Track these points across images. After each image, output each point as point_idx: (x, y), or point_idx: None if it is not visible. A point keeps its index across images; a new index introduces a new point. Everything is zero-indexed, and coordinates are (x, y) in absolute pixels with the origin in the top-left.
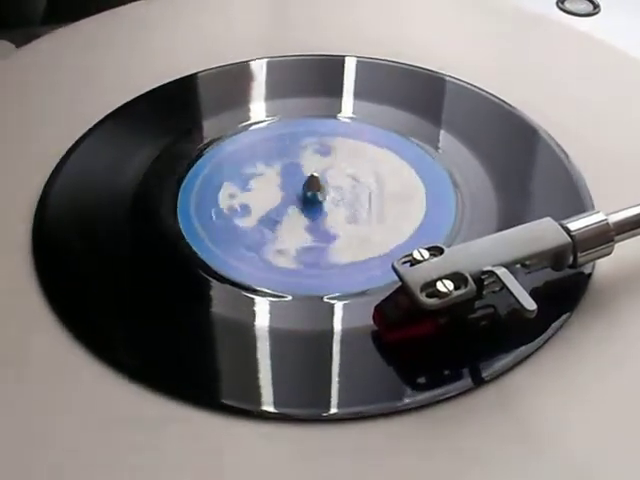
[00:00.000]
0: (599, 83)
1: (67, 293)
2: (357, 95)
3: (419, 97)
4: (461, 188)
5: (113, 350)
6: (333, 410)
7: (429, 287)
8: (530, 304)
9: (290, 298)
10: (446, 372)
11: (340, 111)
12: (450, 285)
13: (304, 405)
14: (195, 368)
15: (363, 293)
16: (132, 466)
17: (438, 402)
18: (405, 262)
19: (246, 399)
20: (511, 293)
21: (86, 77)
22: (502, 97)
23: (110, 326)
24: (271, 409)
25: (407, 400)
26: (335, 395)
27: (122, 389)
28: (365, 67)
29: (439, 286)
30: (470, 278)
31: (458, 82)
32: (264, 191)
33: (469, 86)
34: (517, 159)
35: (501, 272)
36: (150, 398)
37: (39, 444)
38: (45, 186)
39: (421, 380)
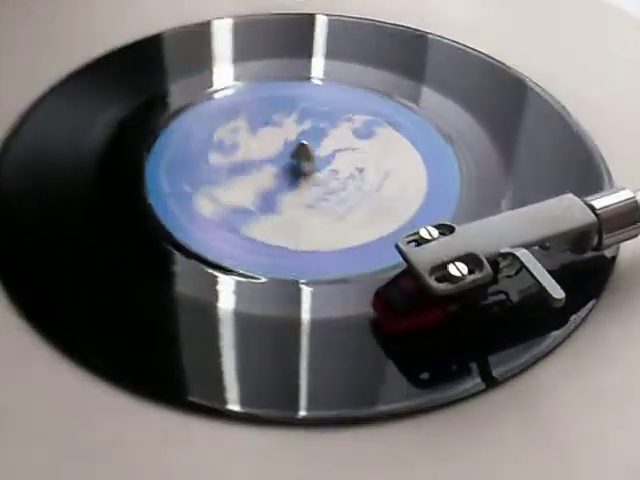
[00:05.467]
0: (613, 52)
1: (20, 272)
2: (330, 55)
3: (399, 56)
4: (464, 157)
5: (68, 337)
6: (316, 412)
7: (439, 270)
8: (557, 292)
9: (264, 280)
10: (456, 370)
11: (311, 73)
12: (464, 268)
13: (279, 405)
14: (158, 360)
15: (353, 277)
16: (89, 461)
17: (444, 405)
18: (411, 241)
19: (211, 396)
20: (536, 279)
21: (42, 34)
22: (499, 58)
23: (65, 308)
24: (238, 409)
25: (408, 403)
26: (321, 394)
27: (80, 380)
28: (337, 25)
29: (451, 269)
30: (485, 261)
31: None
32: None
33: (466, 49)
34: (514, 116)
35: (522, 254)
36: (107, 390)
37: None
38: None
39: (426, 377)
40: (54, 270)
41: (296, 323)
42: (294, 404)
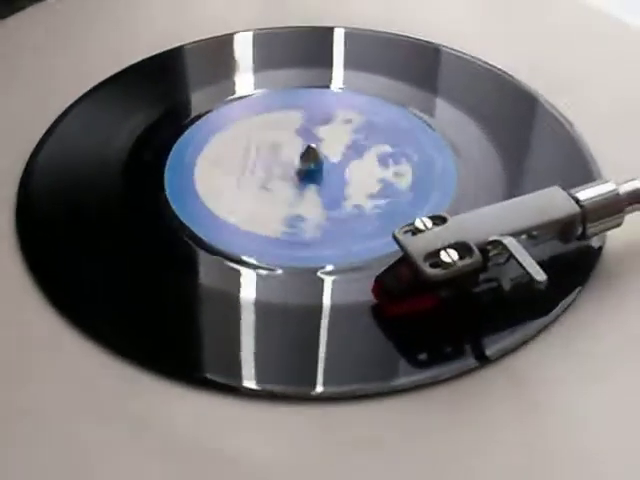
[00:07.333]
0: (596, 49)
1: (51, 267)
2: (347, 66)
3: (412, 67)
4: (462, 157)
5: (97, 323)
6: (323, 388)
7: (433, 257)
8: (540, 274)
9: (280, 272)
10: (449, 350)
11: (330, 82)
12: (454, 255)
13: (292, 382)
14: (181, 342)
15: (359, 266)
16: (112, 440)
17: (438, 382)
18: (407, 231)
19: (230, 374)
20: (519, 263)
21: (72, 49)
22: (498, 65)
23: (94, 299)
24: (254, 386)
25: (405, 380)
26: (326, 372)
27: (105, 363)
28: (355, 38)
29: (443, 256)
30: (475, 248)
31: (452, 52)
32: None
33: (464, 55)
34: (518, 127)
35: (508, 241)
36: (130, 372)
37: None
38: (29, 159)
39: (423, 358)
40: (87, 269)
41: (311, 309)
42: (309, 381)
